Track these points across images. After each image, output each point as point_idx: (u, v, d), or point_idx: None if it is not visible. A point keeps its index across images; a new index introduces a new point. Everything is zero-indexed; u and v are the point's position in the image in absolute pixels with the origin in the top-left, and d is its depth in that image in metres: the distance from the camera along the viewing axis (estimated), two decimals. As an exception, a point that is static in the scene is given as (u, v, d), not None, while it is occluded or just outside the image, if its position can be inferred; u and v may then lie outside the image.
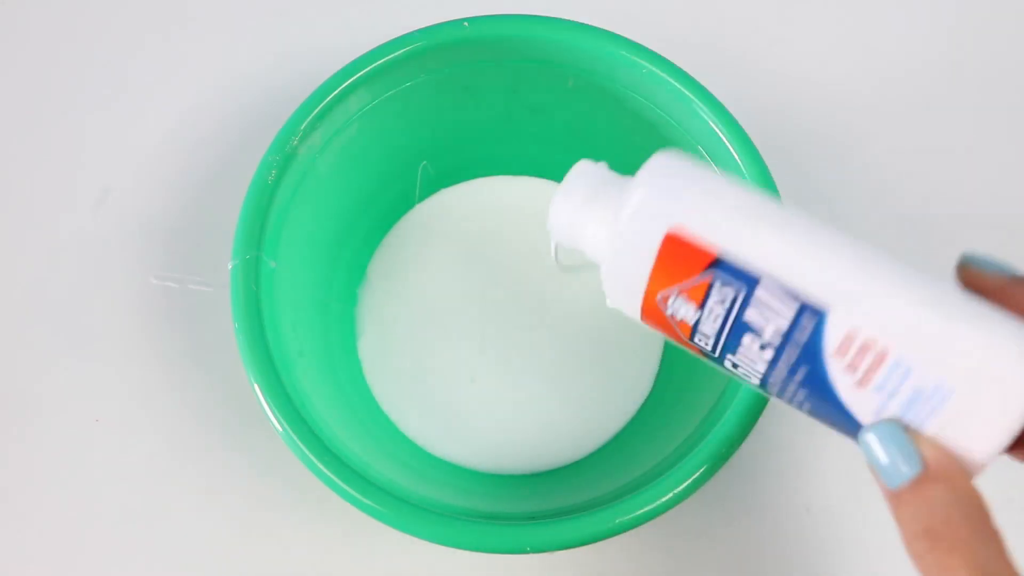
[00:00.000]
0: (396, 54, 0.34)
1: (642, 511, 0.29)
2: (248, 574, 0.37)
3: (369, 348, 0.39)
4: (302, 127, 0.33)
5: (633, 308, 0.26)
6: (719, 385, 0.32)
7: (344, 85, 0.34)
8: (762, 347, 0.24)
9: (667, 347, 0.39)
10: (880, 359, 0.23)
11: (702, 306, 0.24)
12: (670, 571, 0.37)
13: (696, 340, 0.25)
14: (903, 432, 0.23)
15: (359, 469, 0.30)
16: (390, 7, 0.45)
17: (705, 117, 0.33)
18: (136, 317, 0.40)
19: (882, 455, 0.23)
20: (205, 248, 0.41)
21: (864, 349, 0.23)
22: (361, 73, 0.34)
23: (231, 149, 0.42)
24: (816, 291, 0.23)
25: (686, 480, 0.29)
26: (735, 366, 0.25)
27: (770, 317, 0.24)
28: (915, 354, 0.22)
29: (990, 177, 0.43)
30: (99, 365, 0.39)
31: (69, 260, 0.41)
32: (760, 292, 0.24)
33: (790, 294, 0.23)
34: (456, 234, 0.40)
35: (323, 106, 0.33)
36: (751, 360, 0.24)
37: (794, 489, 0.38)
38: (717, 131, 0.33)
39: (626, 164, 0.38)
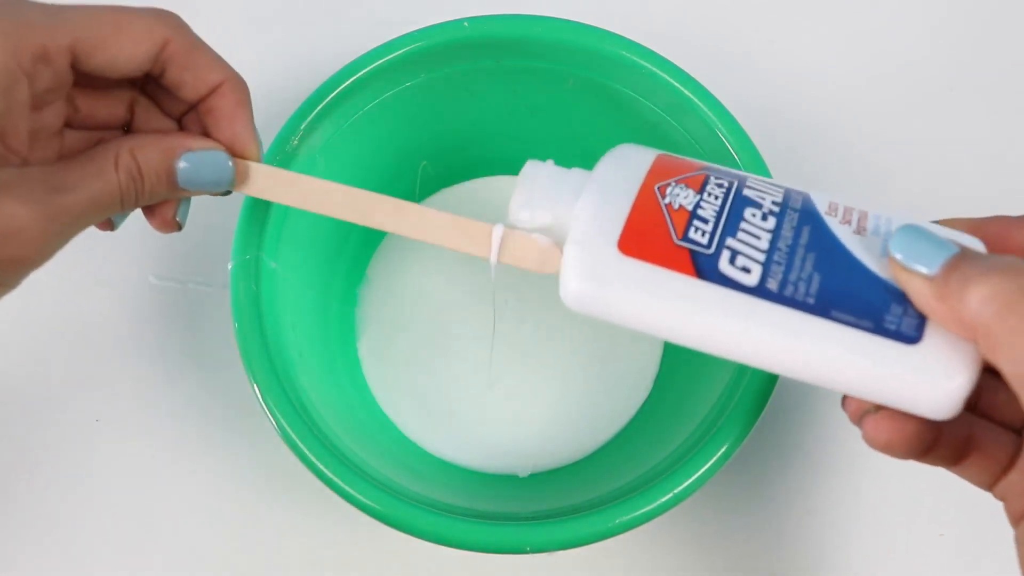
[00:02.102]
0: (396, 54, 0.34)
1: (642, 511, 0.29)
2: (247, 573, 0.37)
3: (369, 348, 0.39)
4: (302, 127, 0.33)
5: (608, 240, 0.25)
6: (719, 386, 0.32)
7: (344, 85, 0.34)
8: (764, 216, 0.25)
9: (667, 347, 0.39)
10: (864, 214, 0.26)
11: (701, 190, 0.26)
12: (670, 571, 0.37)
13: (691, 233, 0.25)
14: (924, 227, 0.24)
15: (359, 469, 0.30)
16: (390, 7, 0.45)
17: (705, 117, 0.33)
18: (136, 317, 0.40)
19: (918, 243, 0.23)
20: (205, 248, 0.41)
21: (848, 210, 0.26)
22: (361, 73, 0.34)
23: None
24: (792, 185, 0.27)
25: (686, 480, 0.29)
26: (733, 257, 0.24)
27: (765, 193, 0.26)
28: (890, 212, 0.26)
29: (991, 175, 0.43)
30: (99, 365, 0.39)
31: (69, 260, 0.41)
32: (751, 181, 0.27)
33: (774, 184, 0.27)
34: (456, 234, 0.40)
35: (323, 106, 0.33)
36: (753, 236, 0.25)
37: (794, 490, 0.38)
38: (717, 131, 0.33)
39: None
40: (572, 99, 0.36)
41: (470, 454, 0.37)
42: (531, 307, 0.39)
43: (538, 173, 0.28)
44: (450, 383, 0.38)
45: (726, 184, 0.26)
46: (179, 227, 0.30)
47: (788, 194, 0.26)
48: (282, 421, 0.30)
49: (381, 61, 0.34)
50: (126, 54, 0.26)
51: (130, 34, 0.26)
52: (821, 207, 0.26)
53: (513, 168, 0.41)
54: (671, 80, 0.34)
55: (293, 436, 0.30)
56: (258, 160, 0.29)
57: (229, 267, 0.32)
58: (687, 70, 0.34)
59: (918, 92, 0.44)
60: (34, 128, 0.26)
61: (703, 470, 0.29)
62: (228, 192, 0.29)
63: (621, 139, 0.37)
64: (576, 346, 0.39)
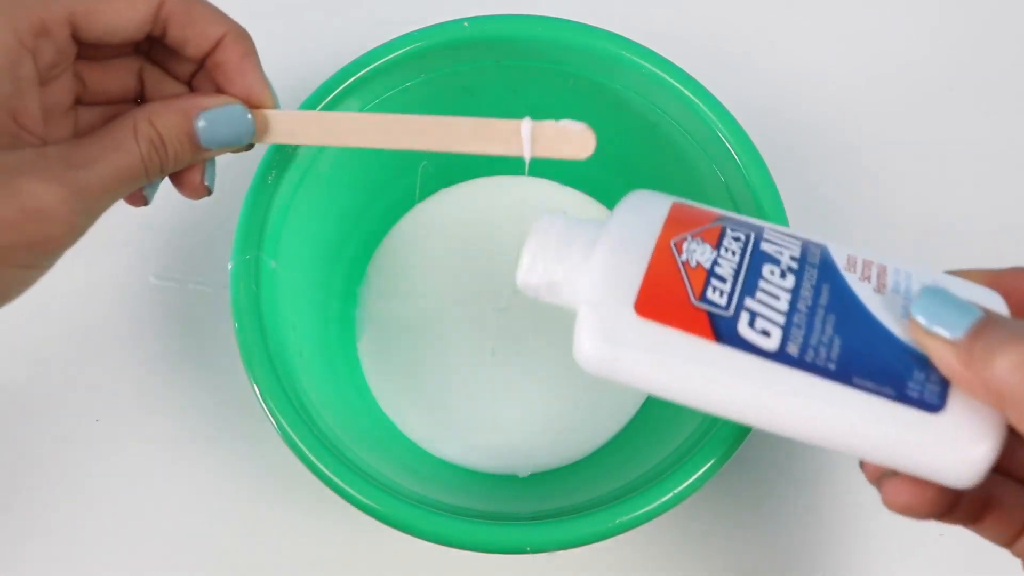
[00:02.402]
0: (396, 54, 0.34)
1: (642, 511, 0.29)
2: (247, 573, 0.37)
3: (369, 348, 0.39)
4: (302, 127, 0.33)
5: (624, 300, 0.24)
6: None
7: (344, 85, 0.34)
8: (783, 273, 0.25)
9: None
10: (883, 269, 0.25)
11: (718, 245, 0.25)
12: (670, 571, 0.37)
13: (709, 294, 0.24)
14: (947, 290, 0.23)
15: (359, 469, 0.30)
16: (391, 7, 0.45)
17: (705, 117, 0.33)
18: (136, 317, 0.40)
19: (941, 306, 0.22)
20: (205, 248, 0.41)
21: (867, 264, 0.25)
22: (361, 73, 0.34)
23: (231, 149, 0.42)
24: (809, 236, 0.26)
25: (686, 480, 0.29)
26: (752, 319, 0.24)
27: (783, 248, 0.25)
28: (908, 265, 0.25)
29: (991, 175, 0.43)
30: (99, 365, 0.39)
31: (69, 260, 0.41)
32: (768, 233, 0.26)
33: (791, 235, 0.26)
34: (456, 234, 0.40)
35: (323, 106, 0.33)
36: (772, 296, 0.24)
37: (794, 489, 0.38)
38: (717, 131, 0.33)
39: (626, 164, 0.38)
40: (572, 99, 0.36)
41: (470, 454, 0.37)
42: (532, 307, 0.39)
43: (550, 227, 0.26)
44: (450, 383, 0.38)
45: (743, 237, 0.26)
46: (209, 192, 0.30)
47: (806, 248, 0.25)
48: (282, 421, 0.30)
49: (381, 61, 0.34)
50: (124, 17, 0.26)
51: None
52: (840, 262, 0.25)
53: (513, 168, 0.41)
54: (671, 80, 0.34)
55: (293, 436, 0.30)
56: (274, 107, 0.29)
57: (229, 267, 0.32)
58: (687, 70, 0.34)
59: (918, 92, 0.44)
60: (45, 106, 0.26)
61: (703, 470, 0.29)
62: (251, 146, 0.29)
63: (621, 139, 0.37)
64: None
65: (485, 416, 0.38)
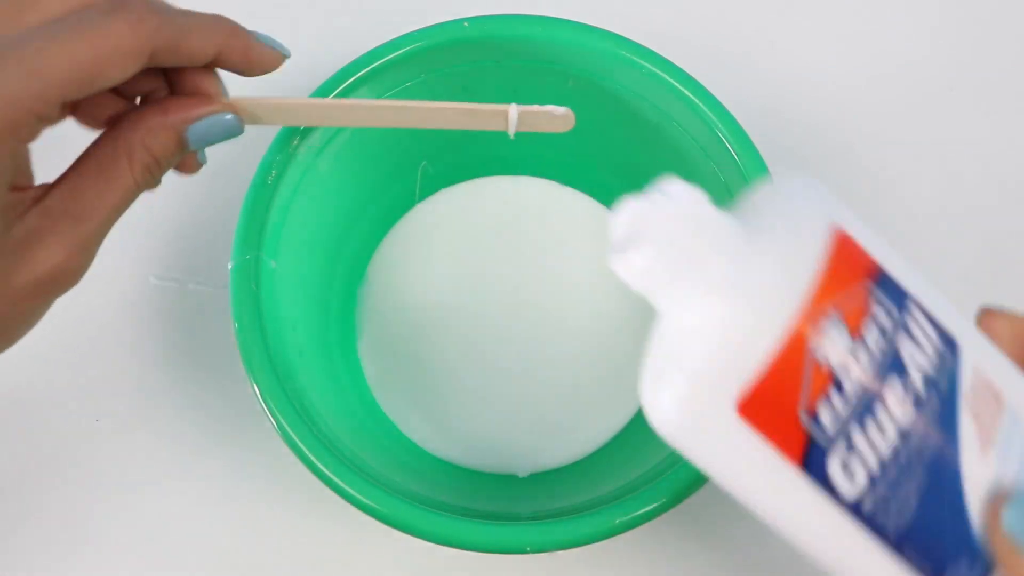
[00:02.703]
0: (396, 54, 0.34)
1: (642, 511, 0.29)
2: (247, 573, 0.37)
3: (369, 348, 0.39)
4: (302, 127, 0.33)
5: (729, 390, 0.19)
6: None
7: (344, 85, 0.34)
8: (903, 399, 0.20)
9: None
10: (999, 402, 0.21)
11: (860, 336, 0.20)
12: (670, 571, 0.37)
13: (821, 414, 0.19)
14: None
15: (359, 468, 0.30)
16: (391, 7, 0.45)
17: (705, 117, 0.33)
18: (136, 317, 0.40)
19: None
20: (205, 248, 0.41)
21: (988, 391, 0.21)
22: (361, 73, 0.34)
23: (231, 149, 0.42)
24: (945, 318, 0.20)
25: (687, 480, 0.29)
26: (848, 457, 0.20)
27: (918, 351, 0.20)
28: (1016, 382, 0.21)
29: (991, 175, 0.43)
30: (99, 365, 0.39)
31: (69, 260, 0.41)
32: (911, 317, 0.20)
33: (931, 318, 0.20)
34: (456, 234, 0.40)
35: (323, 106, 0.33)
36: (880, 433, 0.20)
37: (794, 489, 0.38)
38: (718, 131, 0.33)
39: (626, 164, 0.38)
40: (572, 99, 0.36)
41: (470, 454, 0.37)
42: (532, 305, 0.39)
43: (686, 213, 0.20)
44: (450, 383, 0.38)
45: (888, 327, 0.20)
46: (202, 164, 0.30)
47: (942, 357, 0.20)
48: (282, 421, 0.30)
49: (381, 61, 0.34)
50: (115, 78, 0.25)
51: (115, 64, 0.25)
52: (965, 386, 0.20)
53: (513, 168, 0.41)
54: (671, 80, 0.34)
55: (293, 436, 0.30)
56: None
57: (229, 267, 0.32)
58: (687, 70, 0.34)
59: (918, 92, 0.44)
60: None
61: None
62: None
63: (621, 139, 0.37)
64: (576, 346, 0.39)
65: (485, 416, 0.38)
